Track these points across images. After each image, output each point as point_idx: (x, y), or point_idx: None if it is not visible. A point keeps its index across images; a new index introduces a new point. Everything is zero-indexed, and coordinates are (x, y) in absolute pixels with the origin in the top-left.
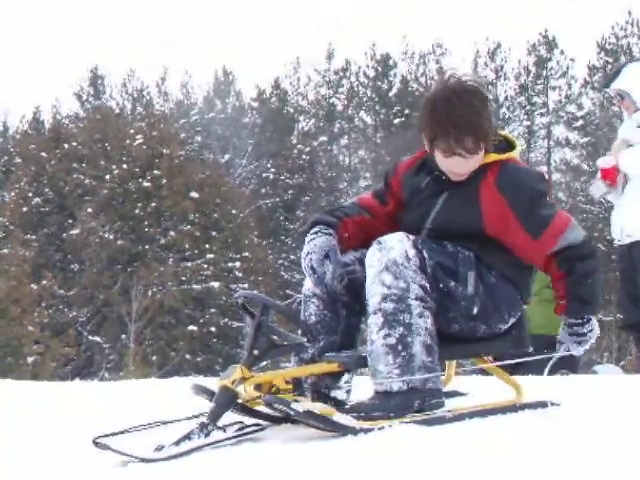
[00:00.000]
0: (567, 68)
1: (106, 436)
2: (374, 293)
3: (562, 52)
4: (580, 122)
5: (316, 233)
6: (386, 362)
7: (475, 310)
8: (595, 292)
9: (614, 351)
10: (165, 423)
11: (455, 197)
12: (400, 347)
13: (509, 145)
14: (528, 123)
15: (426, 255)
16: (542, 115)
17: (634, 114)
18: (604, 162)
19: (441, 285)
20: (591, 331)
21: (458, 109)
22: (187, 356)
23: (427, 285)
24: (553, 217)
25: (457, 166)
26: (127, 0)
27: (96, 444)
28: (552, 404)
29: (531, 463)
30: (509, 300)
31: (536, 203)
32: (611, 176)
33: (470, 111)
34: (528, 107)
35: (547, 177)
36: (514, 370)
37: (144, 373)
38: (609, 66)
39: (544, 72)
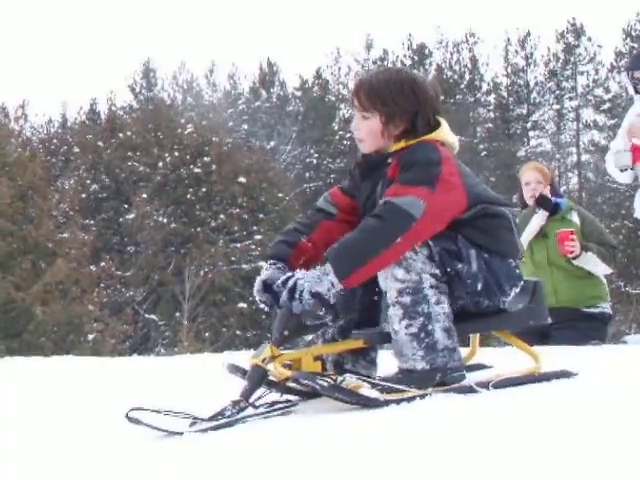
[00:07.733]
0: (594, 54)
1: (139, 410)
2: (390, 288)
3: (589, 39)
4: (607, 105)
5: (269, 265)
6: (411, 348)
7: (479, 286)
8: (353, 248)
9: None
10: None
11: (383, 183)
12: (423, 335)
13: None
14: (558, 107)
15: (431, 243)
16: (571, 99)
17: None
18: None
19: (449, 269)
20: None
21: (366, 77)
22: (237, 332)
23: (438, 272)
24: (405, 184)
25: (354, 124)
26: None
27: (129, 418)
28: (573, 374)
29: (558, 427)
30: (506, 272)
31: (410, 167)
32: (638, 154)
33: (374, 79)
34: (557, 92)
35: (441, 155)
36: (542, 341)
37: (197, 348)
38: (634, 51)
39: (572, 58)
